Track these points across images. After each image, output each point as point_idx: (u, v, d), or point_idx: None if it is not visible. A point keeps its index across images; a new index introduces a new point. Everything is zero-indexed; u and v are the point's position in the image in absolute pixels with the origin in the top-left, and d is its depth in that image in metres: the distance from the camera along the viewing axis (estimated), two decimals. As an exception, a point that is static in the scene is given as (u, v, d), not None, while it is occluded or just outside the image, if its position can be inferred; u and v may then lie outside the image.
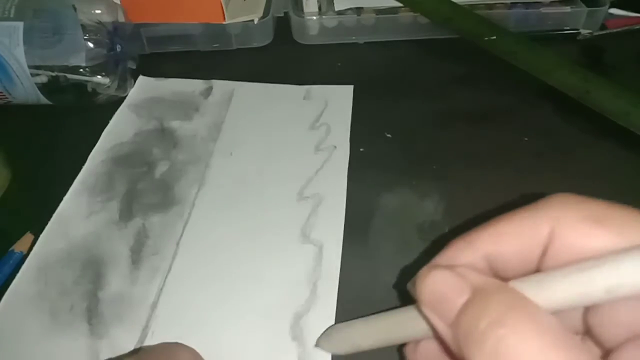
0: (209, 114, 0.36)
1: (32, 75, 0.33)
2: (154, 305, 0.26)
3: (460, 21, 0.40)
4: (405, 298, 0.23)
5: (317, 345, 0.24)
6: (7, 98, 0.35)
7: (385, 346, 0.20)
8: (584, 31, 0.43)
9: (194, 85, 0.39)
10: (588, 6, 0.42)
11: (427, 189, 0.31)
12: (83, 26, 0.34)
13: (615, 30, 0.43)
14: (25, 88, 0.34)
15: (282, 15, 0.45)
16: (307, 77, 0.40)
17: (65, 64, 0.34)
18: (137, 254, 0.28)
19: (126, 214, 0.30)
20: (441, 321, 0.15)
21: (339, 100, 0.37)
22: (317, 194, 0.31)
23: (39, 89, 0.34)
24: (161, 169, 0.33)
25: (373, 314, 0.21)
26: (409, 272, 0.26)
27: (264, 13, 0.42)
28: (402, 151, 0.33)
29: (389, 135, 0.34)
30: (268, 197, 0.31)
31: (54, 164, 0.34)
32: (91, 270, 0.27)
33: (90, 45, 0.34)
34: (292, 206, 0.30)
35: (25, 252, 0.28)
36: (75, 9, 0.34)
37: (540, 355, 0.12)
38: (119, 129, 0.35)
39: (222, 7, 0.40)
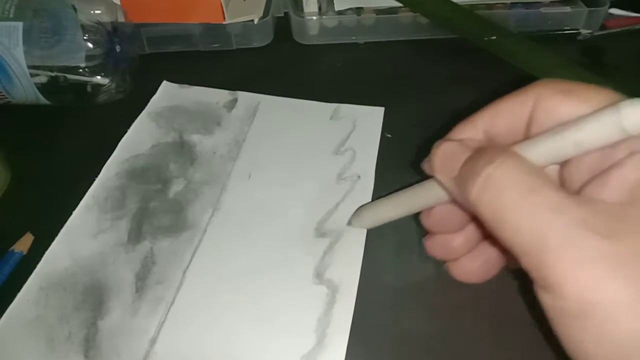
0: (231, 129, 0.35)
1: (32, 75, 0.33)
2: (153, 341, 0.24)
3: (460, 21, 0.40)
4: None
5: (349, 224, 0.28)
6: (6, 98, 0.35)
7: (404, 216, 0.25)
8: (584, 31, 0.43)
9: (219, 96, 0.37)
10: (588, 6, 0.42)
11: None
12: (83, 26, 0.34)
13: (615, 30, 0.43)
14: (25, 88, 0.34)
15: (282, 15, 0.45)
16: (307, 77, 0.40)
17: (65, 64, 0.34)
18: (142, 281, 0.27)
19: (135, 235, 0.29)
20: (448, 177, 0.19)
21: (367, 123, 0.35)
22: (334, 231, 0.28)
23: (39, 89, 0.34)
24: (176, 187, 0.31)
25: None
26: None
27: (264, 13, 0.42)
28: (402, 151, 0.33)
29: (389, 135, 0.34)
30: (284, 229, 0.29)
31: (53, 164, 0.34)
32: (93, 295, 0.26)
33: (90, 45, 0.34)
34: (308, 242, 0.28)
35: (25, 252, 0.28)
36: (75, 9, 0.34)
37: (518, 180, 0.16)
38: (137, 138, 0.34)
39: (222, 7, 0.40)
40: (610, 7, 0.42)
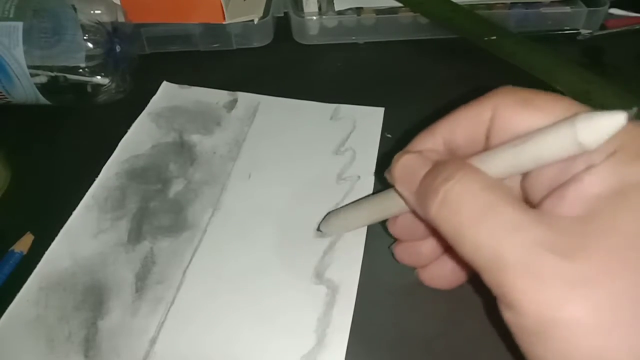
0: (231, 129, 0.35)
1: (32, 75, 0.33)
2: (153, 341, 0.24)
3: (460, 21, 0.40)
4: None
5: (319, 229, 0.28)
6: (6, 98, 0.35)
7: (371, 223, 0.26)
8: (584, 31, 0.43)
9: (219, 96, 0.37)
10: (588, 6, 0.42)
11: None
12: (82, 26, 0.34)
13: (615, 30, 0.43)
14: (25, 88, 0.34)
15: (282, 15, 0.45)
16: (307, 77, 0.40)
17: (65, 64, 0.34)
18: (142, 281, 0.26)
19: (135, 235, 0.29)
20: (408, 191, 0.19)
21: (367, 123, 0.35)
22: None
23: (39, 89, 0.34)
24: (176, 187, 0.31)
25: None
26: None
27: (264, 13, 0.42)
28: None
29: (389, 136, 0.34)
30: (283, 229, 0.29)
31: (53, 164, 0.34)
32: (93, 295, 0.26)
33: (90, 45, 0.34)
34: (308, 242, 0.28)
35: (25, 252, 0.28)
36: (75, 9, 0.34)
37: (477, 197, 0.16)
38: (137, 139, 0.34)
39: (222, 7, 0.40)
40: (610, 7, 0.42)
